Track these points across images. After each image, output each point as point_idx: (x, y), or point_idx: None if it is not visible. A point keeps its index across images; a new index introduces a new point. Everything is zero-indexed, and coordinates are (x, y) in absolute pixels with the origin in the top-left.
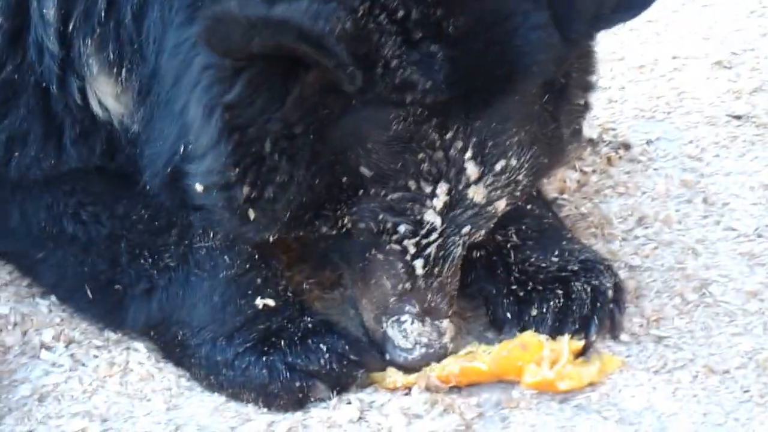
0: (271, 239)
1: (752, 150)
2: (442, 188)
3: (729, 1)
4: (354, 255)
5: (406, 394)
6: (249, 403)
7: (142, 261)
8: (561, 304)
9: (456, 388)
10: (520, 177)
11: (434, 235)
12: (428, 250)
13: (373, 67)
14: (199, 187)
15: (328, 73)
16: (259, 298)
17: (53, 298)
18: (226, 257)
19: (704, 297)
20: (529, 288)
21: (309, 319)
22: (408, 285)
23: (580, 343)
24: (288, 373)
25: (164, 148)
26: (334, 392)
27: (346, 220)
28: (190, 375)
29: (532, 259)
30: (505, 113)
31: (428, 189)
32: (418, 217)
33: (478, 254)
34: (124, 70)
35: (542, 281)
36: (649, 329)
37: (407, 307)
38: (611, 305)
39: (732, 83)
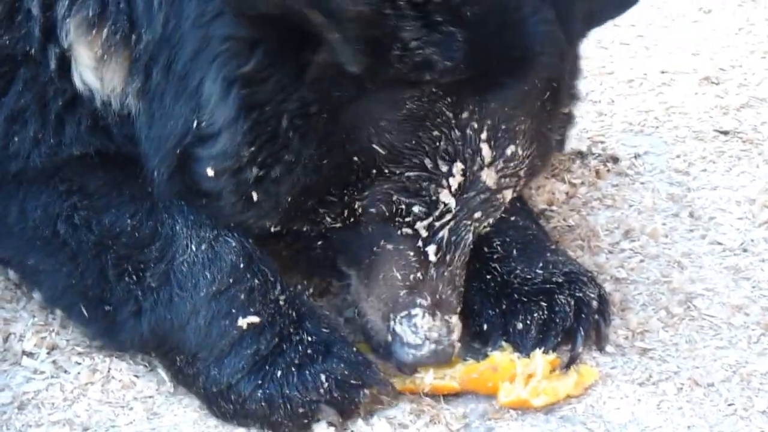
0: (272, 229)
1: (738, 165)
2: (458, 167)
3: (718, 18)
4: (359, 250)
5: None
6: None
7: (127, 278)
8: (545, 316)
9: (443, 397)
10: (522, 171)
11: (448, 217)
12: (441, 234)
13: (389, 50)
14: (210, 172)
15: (334, 54)
16: (240, 317)
17: (35, 303)
18: (207, 273)
19: (689, 310)
20: (513, 300)
21: (305, 337)
22: (420, 275)
23: (554, 357)
24: (289, 405)
25: (175, 128)
26: (342, 415)
27: (356, 206)
28: (200, 404)
29: (517, 271)
30: (517, 99)
31: (444, 168)
32: (434, 198)
33: None
34: (105, 32)
35: (526, 293)
36: (634, 342)
37: (418, 300)
38: (596, 316)
39: (719, 99)
